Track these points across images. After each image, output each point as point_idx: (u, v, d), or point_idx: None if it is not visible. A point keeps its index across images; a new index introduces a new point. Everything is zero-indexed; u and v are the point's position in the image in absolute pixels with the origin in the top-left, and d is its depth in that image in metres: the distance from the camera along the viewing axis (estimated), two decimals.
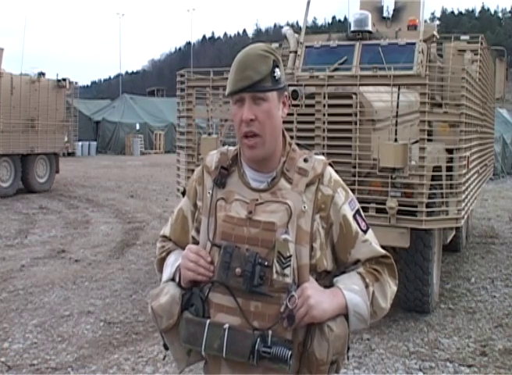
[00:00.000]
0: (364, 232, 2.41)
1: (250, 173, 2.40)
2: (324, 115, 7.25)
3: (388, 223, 6.79)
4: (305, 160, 2.37)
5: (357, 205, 2.44)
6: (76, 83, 23.29)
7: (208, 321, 2.27)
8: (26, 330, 7.08)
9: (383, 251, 2.43)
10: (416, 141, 7.22)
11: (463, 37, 11.05)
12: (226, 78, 8.23)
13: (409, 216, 6.86)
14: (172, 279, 2.47)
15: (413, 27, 10.19)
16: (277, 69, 2.29)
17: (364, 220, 2.44)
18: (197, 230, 2.49)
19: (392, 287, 2.41)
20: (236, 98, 2.30)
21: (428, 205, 6.93)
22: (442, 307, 8.13)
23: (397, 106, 6.88)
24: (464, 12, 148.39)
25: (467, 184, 7.97)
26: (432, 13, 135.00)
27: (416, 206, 6.86)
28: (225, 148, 2.52)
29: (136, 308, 7.96)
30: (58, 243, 12.20)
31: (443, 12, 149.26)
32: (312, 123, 7.33)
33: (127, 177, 26.70)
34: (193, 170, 8.77)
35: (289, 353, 2.16)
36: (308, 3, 10.65)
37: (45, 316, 7.60)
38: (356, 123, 7.12)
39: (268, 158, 2.35)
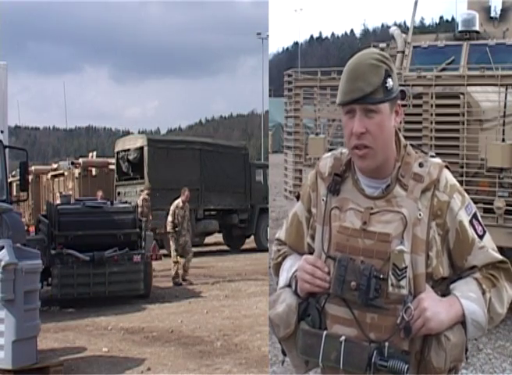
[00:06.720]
0: (481, 237, 2.34)
1: (363, 180, 2.36)
2: (431, 115, 7.28)
3: (495, 223, 6.74)
4: (420, 165, 2.30)
5: (474, 209, 2.37)
6: None
7: (324, 333, 2.29)
8: None
9: (500, 257, 2.37)
10: None
11: None
12: (334, 78, 8.35)
13: None
14: (289, 285, 2.49)
15: None
16: (389, 79, 2.22)
17: (480, 224, 2.37)
18: (312, 238, 2.49)
19: (509, 292, 2.35)
20: (346, 109, 2.24)
21: None
22: None
23: (505, 106, 6.84)
24: None
25: None
26: None
27: None
28: (339, 152, 2.48)
29: None
30: None
31: None
32: (419, 123, 7.36)
33: None
34: (300, 171, 8.94)
35: (406, 367, 2.15)
36: (416, 3, 10.62)
37: None
38: (463, 123, 7.12)
39: (381, 167, 2.29)
